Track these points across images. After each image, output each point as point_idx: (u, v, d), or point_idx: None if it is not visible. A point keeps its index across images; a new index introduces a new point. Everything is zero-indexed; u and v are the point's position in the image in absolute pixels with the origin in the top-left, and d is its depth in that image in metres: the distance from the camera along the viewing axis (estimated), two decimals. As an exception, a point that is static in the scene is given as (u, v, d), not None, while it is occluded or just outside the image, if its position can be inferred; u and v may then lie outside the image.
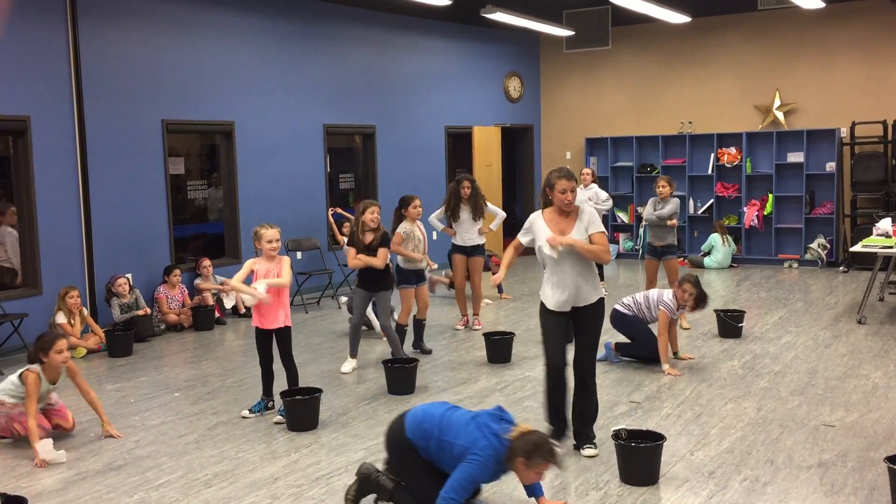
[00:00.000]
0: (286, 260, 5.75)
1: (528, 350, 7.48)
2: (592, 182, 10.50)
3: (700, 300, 6.73)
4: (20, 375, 5.29)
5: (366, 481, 4.16)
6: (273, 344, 5.79)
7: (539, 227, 4.83)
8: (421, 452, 4.04)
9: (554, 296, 4.83)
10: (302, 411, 5.49)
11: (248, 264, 5.71)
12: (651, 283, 8.36)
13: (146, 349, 8.00)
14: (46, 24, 8.01)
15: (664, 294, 6.87)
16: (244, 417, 5.77)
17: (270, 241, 5.66)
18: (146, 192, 8.91)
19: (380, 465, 4.26)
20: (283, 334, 5.75)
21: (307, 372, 6.95)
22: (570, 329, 5.03)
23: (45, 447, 5.02)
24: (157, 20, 8.94)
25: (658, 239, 8.38)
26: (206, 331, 8.73)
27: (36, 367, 5.27)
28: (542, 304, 4.94)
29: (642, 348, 6.89)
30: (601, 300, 4.89)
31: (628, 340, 7.07)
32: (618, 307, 7.06)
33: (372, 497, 4.19)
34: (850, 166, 12.04)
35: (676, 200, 8.40)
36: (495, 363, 7.06)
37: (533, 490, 4.09)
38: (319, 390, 5.63)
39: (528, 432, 3.86)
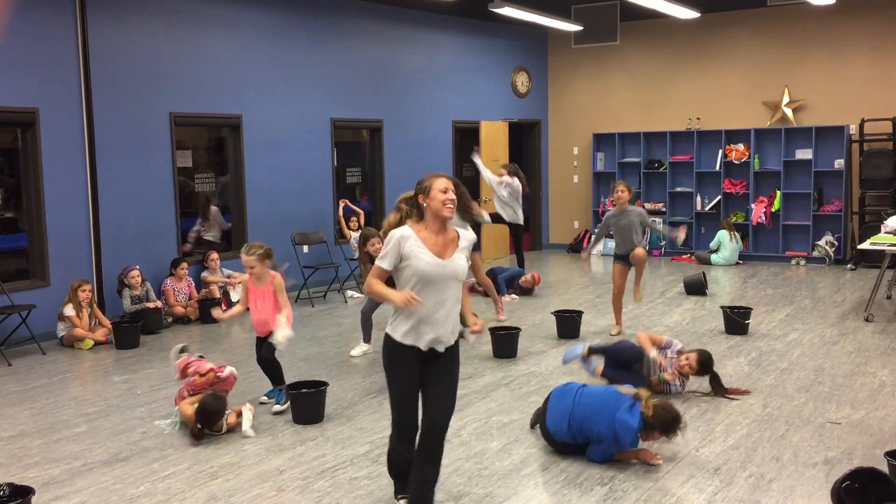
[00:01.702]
0: (280, 283, 5.67)
1: (534, 345, 7.49)
2: (510, 177, 10.37)
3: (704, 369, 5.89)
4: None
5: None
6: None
7: (415, 251, 3.74)
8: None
9: (421, 328, 3.80)
10: (308, 404, 5.50)
11: (244, 286, 5.77)
12: (619, 290, 7.71)
13: (153, 341, 8.03)
14: (55, 17, 8.02)
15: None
16: (262, 403, 5.89)
17: (245, 266, 5.66)
18: (154, 185, 8.93)
19: None
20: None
21: (313, 365, 6.97)
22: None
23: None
24: (165, 13, 8.96)
25: (625, 248, 7.61)
26: (213, 323, 8.74)
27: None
28: (392, 344, 3.85)
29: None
30: (457, 342, 4.02)
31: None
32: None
33: None
34: (858, 163, 12.00)
35: (639, 211, 7.60)
36: (501, 358, 7.06)
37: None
38: (325, 384, 5.64)
39: (661, 409, 4.59)
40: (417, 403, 3.87)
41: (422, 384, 3.87)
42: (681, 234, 8.08)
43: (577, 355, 6.24)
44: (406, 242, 3.75)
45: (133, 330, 7.85)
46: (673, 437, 4.63)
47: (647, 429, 4.59)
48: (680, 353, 5.98)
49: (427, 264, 3.73)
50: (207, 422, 5.21)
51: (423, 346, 3.81)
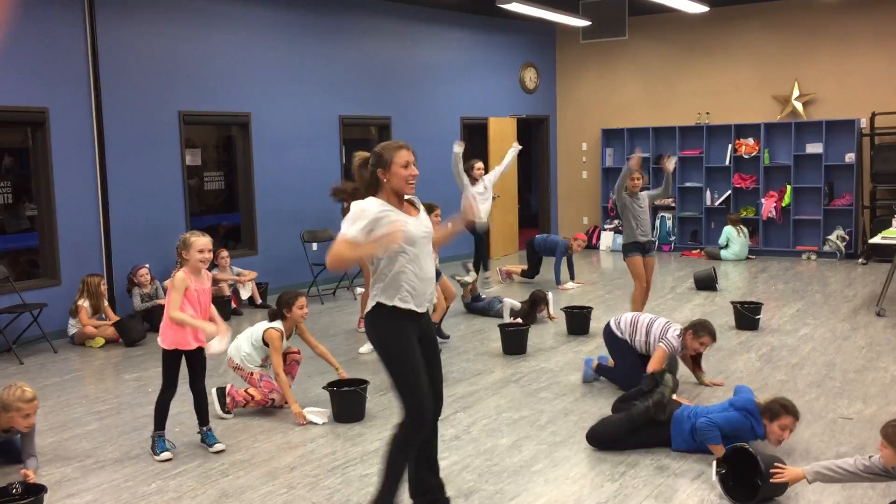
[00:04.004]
0: (208, 276, 5.03)
1: (544, 342, 7.48)
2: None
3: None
4: (263, 337, 5.58)
5: (659, 398, 4.85)
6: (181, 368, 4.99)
7: (393, 217, 3.59)
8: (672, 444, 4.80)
9: (414, 290, 3.64)
10: (350, 403, 5.47)
11: (181, 285, 4.76)
12: (641, 280, 7.58)
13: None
14: (64, 16, 8.05)
15: (669, 330, 5.76)
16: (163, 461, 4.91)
17: (203, 251, 4.79)
18: (163, 183, 8.96)
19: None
20: (201, 356, 4.99)
21: (322, 362, 6.95)
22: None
23: (311, 411, 5.49)
24: (174, 12, 8.98)
25: (645, 234, 7.54)
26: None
27: (279, 324, 5.60)
28: (390, 312, 3.62)
29: (622, 378, 5.92)
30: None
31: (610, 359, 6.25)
32: (612, 325, 6.11)
33: None
34: (869, 157, 11.93)
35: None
36: (510, 354, 7.06)
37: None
38: (366, 381, 5.61)
39: (773, 399, 4.64)
40: (426, 381, 3.64)
41: None
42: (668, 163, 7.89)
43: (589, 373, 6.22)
44: (376, 208, 3.57)
45: (136, 322, 7.88)
46: (783, 423, 4.53)
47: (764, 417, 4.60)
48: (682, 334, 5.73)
49: (411, 226, 3.61)
50: (285, 305, 5.58)
51: (421, 307, 3.68)
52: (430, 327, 3.84)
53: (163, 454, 4.89)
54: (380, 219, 3.57)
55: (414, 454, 3.73)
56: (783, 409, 4.53)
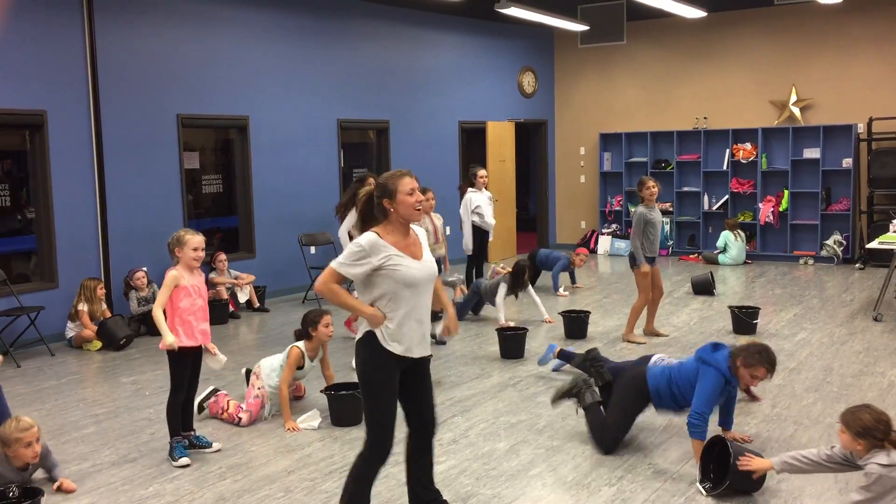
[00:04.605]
0: (200, 274, 5.04)
1: (542, 346, 7.47)
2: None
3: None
4: (286, 354, 5.59)
5: (575, 387, 5.08)
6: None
7: (395, 260, 3.58)
8: (653, 401, 4.84)
9: (410, 335, 3.63)
10: (347, 406, 5.45)
11: (171, 281, 4.85)
12: (647, 293, 7.52)
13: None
14: (63, 19, 8.06)
15: None
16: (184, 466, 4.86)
17: (197, 249, 4.82)
18: (161, 187, 8.96)
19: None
20: (198, 360, 5.07)
21: (317, 367, 6.96)
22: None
23: (303, 420, 5.46)
24: (172, 15, 8.98)
25: (655, 249, 7.44)
26: (220, 325, 8.76)
27: (302, 344, 5.59)
28: (377, 354, 3.60)
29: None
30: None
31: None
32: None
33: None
34: (866, 162, 11.96)
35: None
36: (508, 359, 7.06)
37: (726, 422, 4.89)
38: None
39: (751, 343, 4.66)
40: (394, 415, 3.67)
41: (406, 391, 3.74)
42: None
43: (548, 358, 6.59)
44: (379, 252, 3.56)
45: (117, 325, 7.86)
46: (755, 373, 4.52)
47: (734, 364, 4.55)
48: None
49: (415, 270, 3.60)
50: (310, 323, 5.54)
51: (413, 354, 3.66)
52: (424, 359, 3.76)
53: (181, 459, 4.82)
54: (368, 254, 3.56)
55: (374, 480, 3.71)
56: (758, 360, 4.49)
